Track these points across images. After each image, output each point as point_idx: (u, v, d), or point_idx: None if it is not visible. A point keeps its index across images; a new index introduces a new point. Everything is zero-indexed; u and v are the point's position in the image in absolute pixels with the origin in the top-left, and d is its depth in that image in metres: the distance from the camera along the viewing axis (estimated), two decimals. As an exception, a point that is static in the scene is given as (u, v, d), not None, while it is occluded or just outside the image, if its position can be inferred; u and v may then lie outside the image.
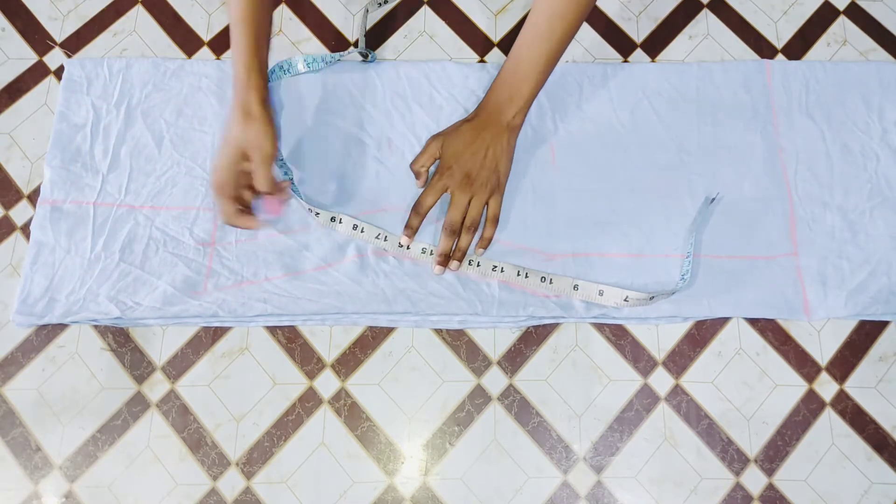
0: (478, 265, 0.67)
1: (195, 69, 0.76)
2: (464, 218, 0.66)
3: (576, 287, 0.67)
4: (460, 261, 0.67)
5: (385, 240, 0.68)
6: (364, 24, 0.77)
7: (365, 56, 0.75)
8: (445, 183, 0.67)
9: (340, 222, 0.68)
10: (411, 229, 0.67)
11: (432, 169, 0.70)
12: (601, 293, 0.66)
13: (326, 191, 0.71)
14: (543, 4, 0.63)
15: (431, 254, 0.68)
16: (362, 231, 0.68)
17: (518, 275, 0.67)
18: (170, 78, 0.75)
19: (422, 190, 0.69)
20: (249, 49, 0.64)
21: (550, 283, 0.67)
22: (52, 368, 0.67)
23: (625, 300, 0.65)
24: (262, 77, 0.65)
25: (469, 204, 0.66)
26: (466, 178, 0.66)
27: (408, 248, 0.68)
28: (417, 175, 0.70)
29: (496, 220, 0.67)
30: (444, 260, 0.66)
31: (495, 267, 0.67)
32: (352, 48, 0.76)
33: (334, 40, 0.79)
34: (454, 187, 0.66)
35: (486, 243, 0.67)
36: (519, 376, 0.67)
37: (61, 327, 0.68)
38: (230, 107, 0.64)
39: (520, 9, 0.80)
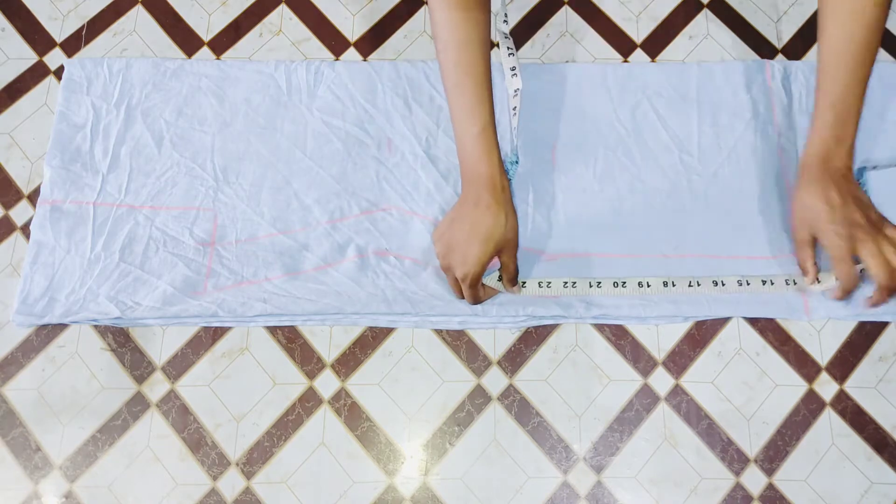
0: (648, 285, 0.66)
1: (195, 69, 0.76)
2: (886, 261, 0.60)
3: (795, 282, 0.66)
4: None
5: (549, 286, 0.67)
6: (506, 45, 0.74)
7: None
8: (846, 246, 0.60)
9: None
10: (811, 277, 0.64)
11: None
12: (819, 282, 0.65)
13: (327, 191, 0.71)
14: (840, 38, 0.61)
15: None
16: (524, 285, 0.66)
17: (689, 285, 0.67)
18: (170, 78, 0.75)
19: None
20: (491, 115, 0.62)
21: (723, 284, 0.67)
22: (52, 368, 0.67)
23: (837, 282, 0.63)
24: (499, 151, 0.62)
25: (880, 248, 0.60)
26: (859, 229, 0.60)
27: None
28: (807, 273, 0.65)
29: None
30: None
31: (666, 283, 0.66)
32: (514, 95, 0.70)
33: (334, 40, 0.79)
34: (855, 244, 0.60)
35: None
36: (519, 376, 0.67)
37: (61, 327, 0.68)
38: (469, 182, 0.61)
39: (519, 9, 0.80)
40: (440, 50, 0.62)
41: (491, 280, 0.65)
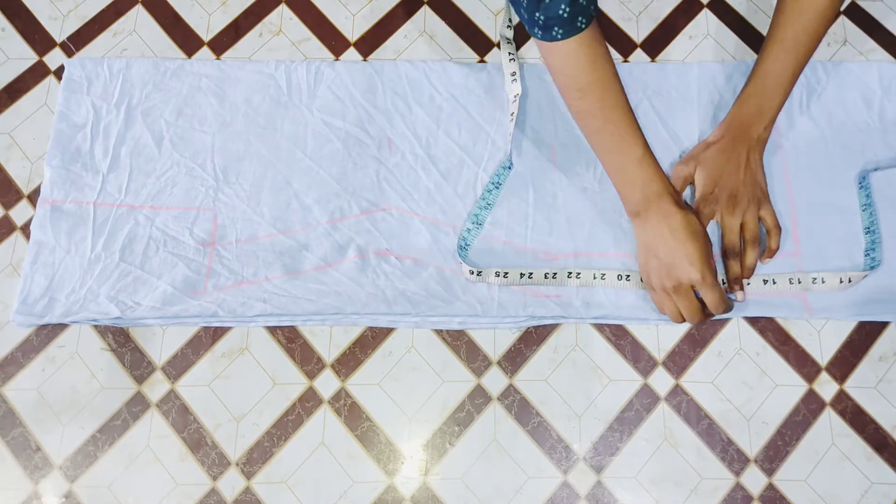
0: (773, 283, 0.67)
1: (195, 69, 0.76)
2: (739, 239, 0.66)
3: (800, 281, 0.67)
4: (749, 277, 0.66)
5: (530, 276, 0.67)
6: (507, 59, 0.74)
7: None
8: (713, 208, 0.66)
9: (481, 274, 0.66)
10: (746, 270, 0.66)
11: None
12: (823, 281, 0.66)
13: (327, 191, 0.71)
14: (787, 19, 0.64)
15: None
16: (505, 276, 0.66)
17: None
18: (170, 78, 0.75)
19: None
20: (642, 136, 0.63)
21: (723, 283, 0.67)
22: (52, 368, 0.67)
23: (841, 282, 0.66)
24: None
25: (740, 224, 0.66)
26: (732, 199, 0.66)
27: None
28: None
29: (778, 228, 0.67)
30: (740, 284, 0.65)
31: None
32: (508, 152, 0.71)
33: (334, 40, 0.79)
34: (722, 210, 0.66)
35: (774, 253, 0.67)
36: (519, 376, 0.67)
37: (61, 327, 0.68)
38: (649, 205, 0.62)
39: (520, 9, 0.80)
40: (577, 96, 0.62)
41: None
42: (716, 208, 0.66)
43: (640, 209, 0.63)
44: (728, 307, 0.63)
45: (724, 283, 0.67)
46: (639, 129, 0.63)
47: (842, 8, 0.80)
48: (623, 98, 0.63)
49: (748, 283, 0.67)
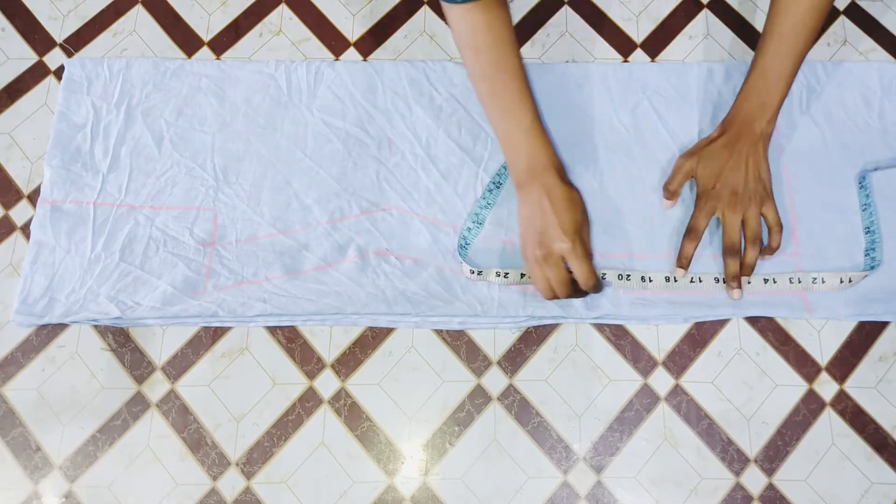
0: (650, 280, 0.67)
1: (195, 69, 0.76)
2: (740, 236, 0.65)
3: (800, 281, 0.67)
4: (749, 275, 0.65)
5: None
6: None
7: None
8: (714, 205, 0.66)
9: (481, 273, 0.66)
10: (686, 259, 0.66)
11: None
12: (824, 281, 0.66)
13: (327, 191, 0.71)
14: (783, 13, 0.64)
15: (700, 280, 0.67)
16: (506, 276, 0.66)
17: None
18: (170, 78, 0.75)
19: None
20: (536, 108, 0.63)
21: (723, 282, 0.67)
22: (52, 368, 0.67)
23: (841, 282, 0.66)
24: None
25: (742, 222, 0.65)
26: (734, 195, 0.65)
27: (675, 280, 0.66)
28: (672, 196, 0.69)
29: (780, 226, 0.66)
30: (738, 282, 0.65)
31: (668, 278, 0.67)
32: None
33: (334, 40, 0.79)
34: (724, 207, 0.65)
35: (774, 251, 0.66)
36: (519, 376, 0.67)
37: (61, 327, 0.68)
38: (534, 176, 0.62)
39: (520, 9, 0.80)
40: (471, 56, 0.62)
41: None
42: (717, 204, 0.66)
43: (525, 180, 0.63)
44: (597, 285, 0.62)
45: (721, 281, 0.67)
46: (531, 98, 0.63)
47: (842, 8, 0.80)
48: (517, 64, 0.62)
49: (749, 283, 0.67)
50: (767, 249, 0.67)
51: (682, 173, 0.68)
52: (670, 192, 0.69)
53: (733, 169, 0.66)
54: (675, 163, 0.69)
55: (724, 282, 0.66)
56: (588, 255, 0.62)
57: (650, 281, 0.67)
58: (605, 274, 0.67)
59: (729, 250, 0.65)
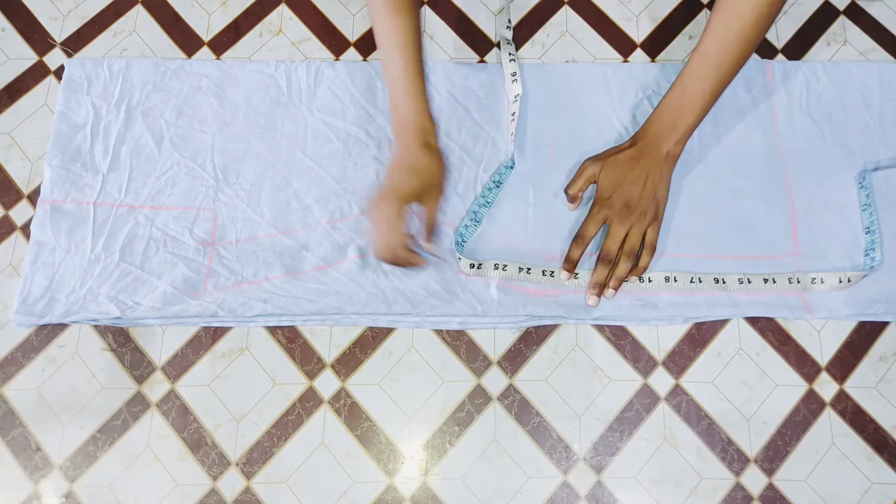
0: (649, 280, 0.67)
1: (195, 69, 0.76)
2: (620, 248, 0.65)
3: (799, 281, 0.67)
4: (616, 289, 0.65)
5: (528, 272, 0.67)
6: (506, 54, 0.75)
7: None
8: (606, 213, 0.66)
9: (480, 267, 0.67)
10: (572, 263, 0.66)
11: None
12: (823, 281, 0.66)
13: (327, 191, 0.71)
14: (714, 35, 0.63)
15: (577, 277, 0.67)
16: (504, 268, 0.66)
17: (691, 282, 0.67)
18: (170, 78, 0.75)
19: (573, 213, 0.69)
20: (419, 71, 0.64)
21: (724, 282, 0.67)
22: (52, 368, 0.67)
23: (840, 282, 0.66)
24: (428, 104, 0.65)
25: (626, 234, 0.65)
26: (626, 208, 0.65)
27: (567, 280, 0.67)
28: (572, 199, 0.69)
29: (653, 249, 0.66)
30: (600, 290, 0.65)
31: (668, 278, 0.67)
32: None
33: (334, 40, 0.79)
34: (613, 216, 0.66)
35: (641, 272, 0.66)
36: (519, 376, 0.67)
37: (61, 327, 0.68)
38: (399, 133, 0.63)
39: (519, 9, 0.80)
40: (380, 44, 0.65)
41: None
42: (609, 213, 0.66)
43: (396, 134, 0.65)
44: (396, 259, 0.62)
45: (722, 282, 0.67)
46: (412, 53, 0.64)
47: (842, 8, 0.80)
48: (416, 49, 0.64)
49: (749, 282, 0.66)
50: (636, 269, 0.66)
51: (584, 178, 0.68)
52: (571, 196, 0.69)
53: (633, 183, 0.66)
54: (581, 165, 0.69)
55: (589, 286, 0.66)
56: (390, 227, 0.61)
57: (650, 282, 0.67)
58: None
59: (604, 258, 0.65)
